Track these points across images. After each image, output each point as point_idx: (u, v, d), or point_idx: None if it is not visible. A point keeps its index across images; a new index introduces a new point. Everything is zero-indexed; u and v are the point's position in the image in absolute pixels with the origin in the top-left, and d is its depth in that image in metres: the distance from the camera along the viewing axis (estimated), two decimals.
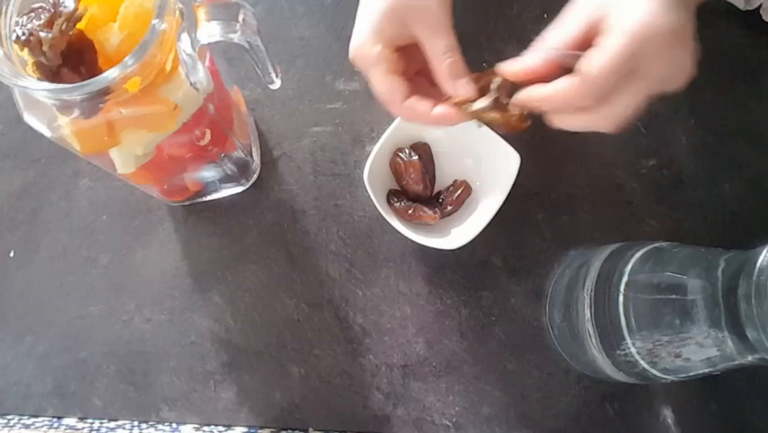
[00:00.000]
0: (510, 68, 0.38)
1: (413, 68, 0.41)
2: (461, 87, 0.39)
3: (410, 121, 0.41)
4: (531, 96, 0.37)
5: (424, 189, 0.52)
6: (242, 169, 0.52)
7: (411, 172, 0.51)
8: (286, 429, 0.50)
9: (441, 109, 0.39)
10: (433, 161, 0.53)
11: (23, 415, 0.51)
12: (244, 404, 0.51)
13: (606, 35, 0.34)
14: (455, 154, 0.53)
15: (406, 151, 0.51)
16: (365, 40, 0.39)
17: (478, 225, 0.48)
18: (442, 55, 0.38)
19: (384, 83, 0.39)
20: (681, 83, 0.36)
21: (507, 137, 0.49)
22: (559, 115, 0.37)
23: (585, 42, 0.36)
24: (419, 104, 0.39)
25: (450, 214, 0.52)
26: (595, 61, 0.34)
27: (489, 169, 0.51)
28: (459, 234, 0.50)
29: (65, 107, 0.36)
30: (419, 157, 0.51)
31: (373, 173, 0.49)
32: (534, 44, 0.38)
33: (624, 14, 0.34)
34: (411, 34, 0.39)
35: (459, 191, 0.52)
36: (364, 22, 0.40)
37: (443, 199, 0.52)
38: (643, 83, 0.35)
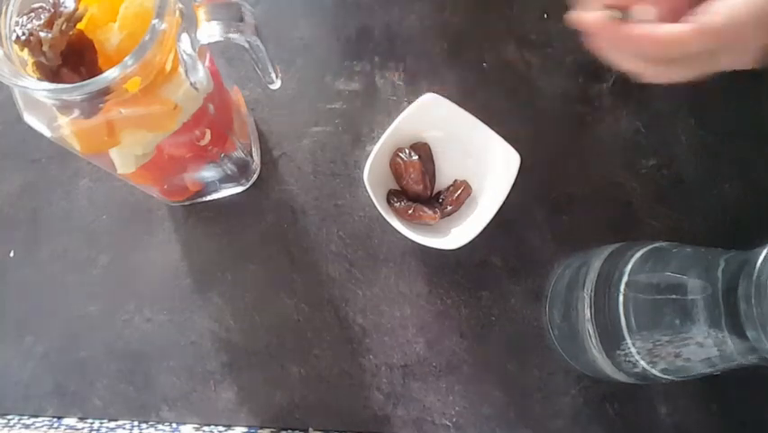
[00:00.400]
0: None
1: None
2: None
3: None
4: (644, 34, 0.36)
5: (423, 189, 0.52)
6: (242, 169, 0.52)
7: (411, 172, 0.51)
8: (286, 429, 0.50)
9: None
10: (433, 161, 0.53)
11: (23, 415, 0.51)
12: (244, 404, 0.51)
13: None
14: (455, 154, 0.53)
15: (407, 151, 0.51)
16: None
17: (478, 226, 0.48)
18: None
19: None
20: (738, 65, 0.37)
21: (502, 132, 0.49)
22: (655, 64, 0.37)
23: None
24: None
25: (450, 214, 0.52)
26: (722, 10, 0.34)
27: (489, 169, 0.51)
28: (459, 234, 0.50)
29: (65, 107, 0.36)
30: (419, 157, 0.51)
31: (373, 173, 0.49)
32: None
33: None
34: None
35: (459, 191, 0.52)
36: None
37: (443, 199, 0.52)
38: (715, 60, 0.35)
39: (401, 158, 0.51)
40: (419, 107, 0.50)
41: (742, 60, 0.37)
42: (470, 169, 0.52)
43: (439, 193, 0.53)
